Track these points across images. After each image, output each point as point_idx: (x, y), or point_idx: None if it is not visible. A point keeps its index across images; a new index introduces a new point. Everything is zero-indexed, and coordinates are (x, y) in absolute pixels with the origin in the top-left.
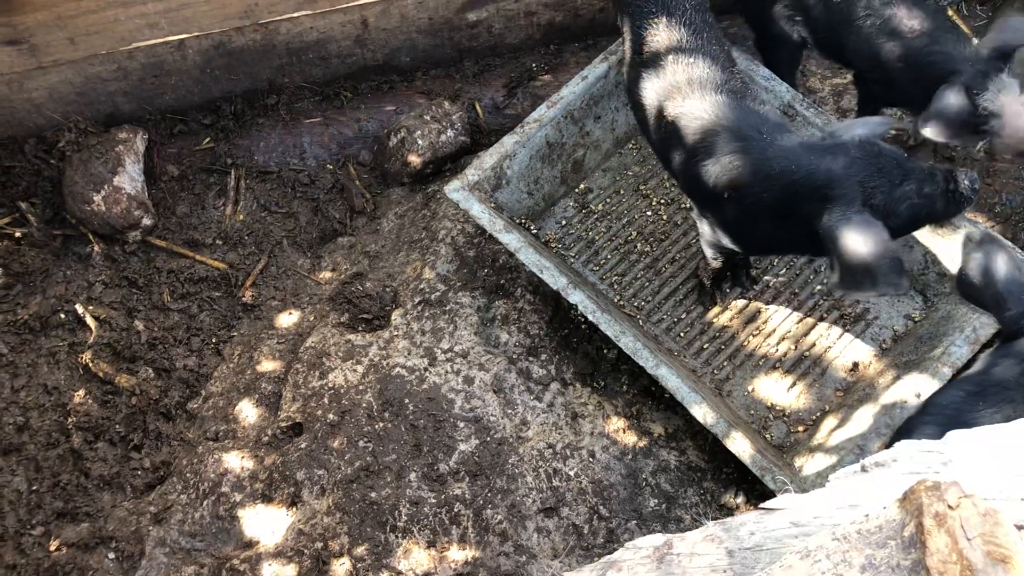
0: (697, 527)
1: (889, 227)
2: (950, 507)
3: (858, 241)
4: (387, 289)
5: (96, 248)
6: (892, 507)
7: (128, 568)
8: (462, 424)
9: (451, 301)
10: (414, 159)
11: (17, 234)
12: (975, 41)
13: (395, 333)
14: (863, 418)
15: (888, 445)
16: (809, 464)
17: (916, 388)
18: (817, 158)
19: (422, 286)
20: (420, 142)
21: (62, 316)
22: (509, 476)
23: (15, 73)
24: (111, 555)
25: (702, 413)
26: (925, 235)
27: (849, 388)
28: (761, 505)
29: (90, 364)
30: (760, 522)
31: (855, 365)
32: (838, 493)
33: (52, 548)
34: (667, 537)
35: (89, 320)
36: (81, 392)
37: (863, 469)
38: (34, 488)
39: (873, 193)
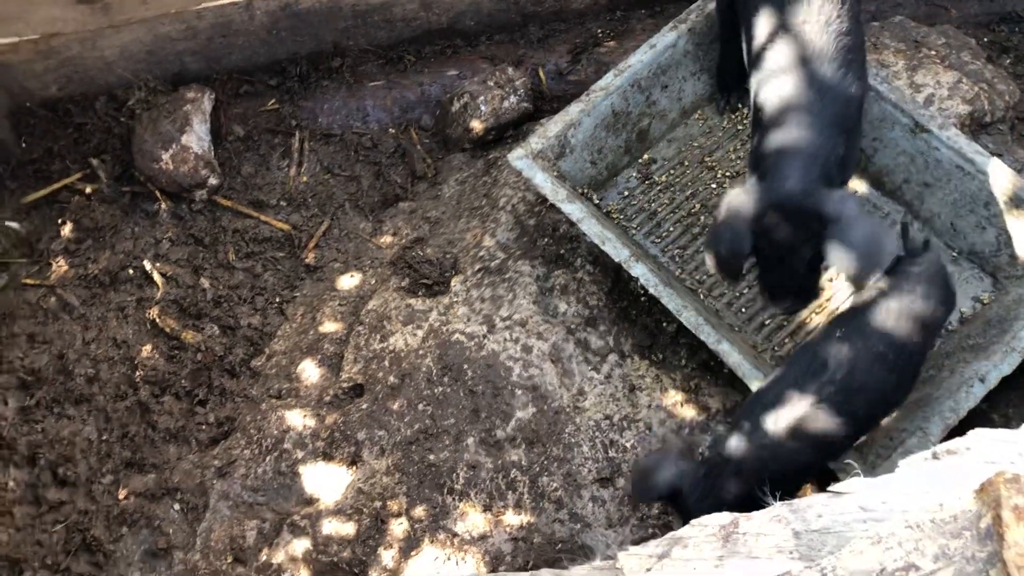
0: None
1: None
2: None
3: None
4: (447, 255)
5: (163, 206)
6: (968, 497)
7: (193, 519)
8: (519, 392)
9: (510, 269)
10: (476, 125)
11: (88, 190)
12: None
13: (455, 299)
14: (926, 400)
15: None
16: (869, 443)
17: (983, 372)
18: None
19: (482, 253)
20: (483, 108)
21: (130, 272)
22: (565, 445)
23: (88, 32)
24: (176, 506)
25: None
26: (1002, 215)
27: None
28: (829, 488)
29: (157, 320)
30: (828, 505)
31: None
32: (908, 479)
33: (121, 496)
34: (733, 516)
35: (156, 276)
36: (148, 347)
37: (934, 456)
38: (104, 438)
39: None
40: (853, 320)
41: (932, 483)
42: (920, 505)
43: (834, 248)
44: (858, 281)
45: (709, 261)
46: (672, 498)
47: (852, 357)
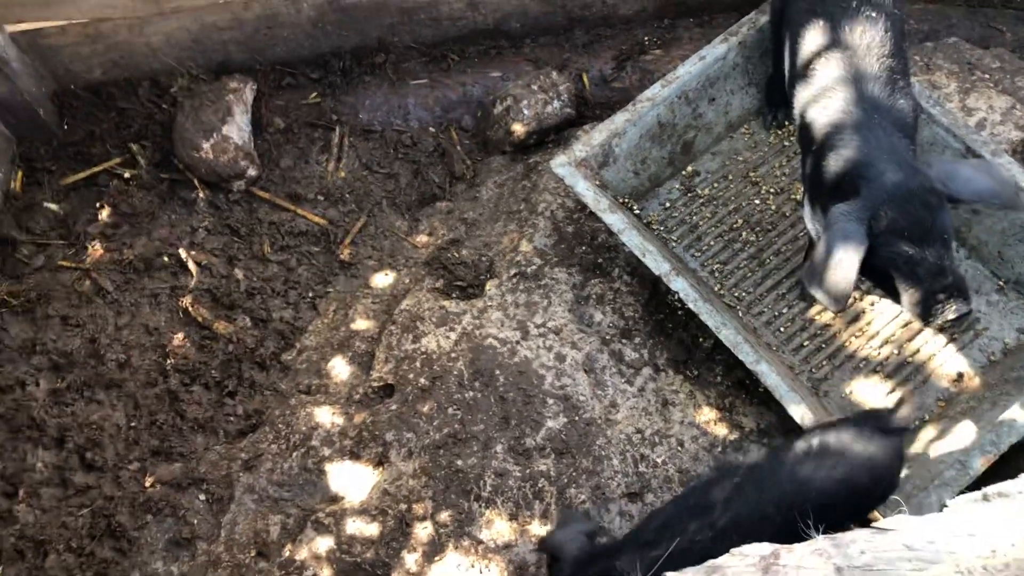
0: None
1: None
2: None
3: None
4: (483, 258)
5: (201, 194)
6: (1022, 544)
7: (217, 511)
8: (551, 401)
9: (547, 276)
10: (518, 128)
11: (127, 175)
12: None
13: (489, 303)
14: (966, 432)
15: None
16: (905, 474)
17: None
18: None
19: (518, 258)
20: (526, 112)
21: (165, 259)
22: (595, 457)
23: (136, 17)
24: (202, 496)
25: (800, 413)
26: None
27: (952, 399)
28: (873, 524)
29: (190, 308)
30: (871, 541)
31: (960, 376)
32: (956, 520)
33: (147, 484)
34: (774, 547)
35: (191, 265)
36: (180, 335)
37: (985, 498)
38: (132, 424)
39: None
40: (755, 468)
41: (981, 526)
42: (970, 548)
43: (965, 190)
44: (1006, 208)
45: (823, 291)
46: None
47: (738, 506)
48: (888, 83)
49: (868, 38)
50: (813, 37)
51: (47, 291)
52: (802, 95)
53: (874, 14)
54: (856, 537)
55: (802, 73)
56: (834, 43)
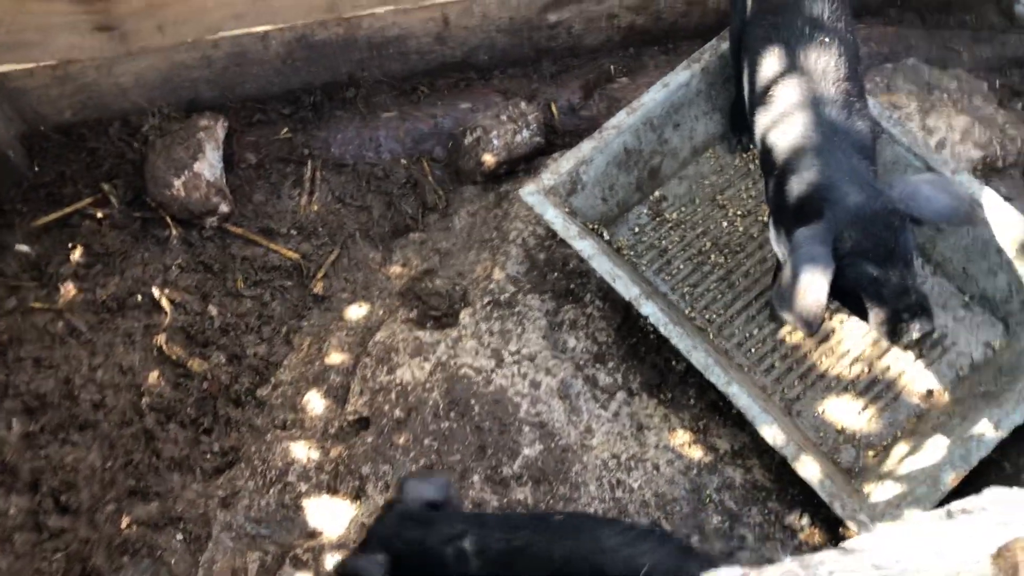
0: (759, 546)
1: None
2: None
3: None
4: (457, 287)
5: (174, 232)
6: (985, 562)
7: (195, 550)
8: (527, 429)
9: (520, 303)
10: (488, 158)
11: (99, 215)
12: None
13: (463, 332)
14: (937, 448)
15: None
16: (878, 492)
17: (995, 421)
18: None
19: (492, 286)
20: (495, 142)
21: (139, 298)
22: (572, 484)
23: (104, 58)
24: (179, 536)
25: (772, 434)
26: (1013, 261)
27: (923, 415)
28: (841, 544)
29: (164, 347)
30: (839, 562)
31: (929, 392)
32: (922, 538)
33: (123, 525)
34: (744, 570)
35: (164, 303)
36: (155, 374)
37: (949, 515)
38: (108, 465)
39: None
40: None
41: (946, 543)
42: (936, 567)
43: (926, 209)
44: (964, 224)
45: (794, 314)
46: None
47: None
48: (845, 106)
49: (823, 63)
50: (770, 63)
51: (19, 334)
52: (762, 120)
53: (827, 39)
54: (824, 558)
55: (761, 99)
56: (791, 68)
